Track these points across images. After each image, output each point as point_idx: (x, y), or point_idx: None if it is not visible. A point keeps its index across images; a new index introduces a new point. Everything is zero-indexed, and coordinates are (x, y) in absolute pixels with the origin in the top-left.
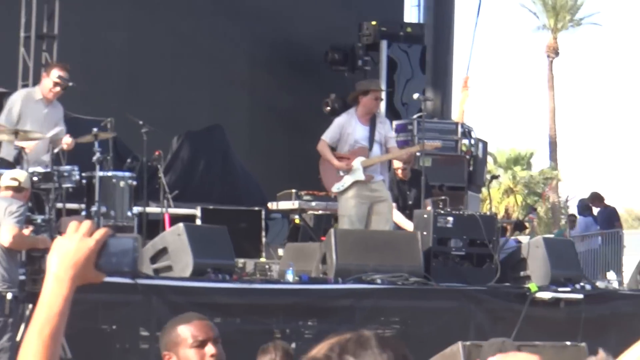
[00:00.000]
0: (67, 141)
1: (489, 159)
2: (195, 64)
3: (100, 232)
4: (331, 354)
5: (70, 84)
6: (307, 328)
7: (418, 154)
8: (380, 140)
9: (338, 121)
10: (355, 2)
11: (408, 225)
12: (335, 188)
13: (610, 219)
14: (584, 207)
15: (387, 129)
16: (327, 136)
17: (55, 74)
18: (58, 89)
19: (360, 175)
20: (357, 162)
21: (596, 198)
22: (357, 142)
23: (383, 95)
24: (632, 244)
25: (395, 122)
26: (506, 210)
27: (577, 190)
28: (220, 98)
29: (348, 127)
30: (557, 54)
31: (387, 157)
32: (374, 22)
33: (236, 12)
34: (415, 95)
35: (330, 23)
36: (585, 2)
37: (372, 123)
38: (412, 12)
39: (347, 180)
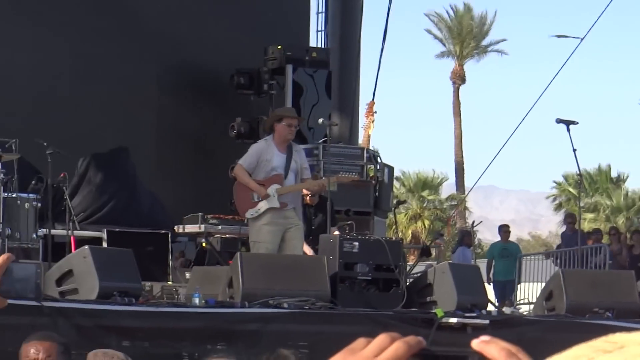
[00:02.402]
0: None
1: (397, 184)
2: (101, 86)
3: (2, 257)
4: None
5: None
6: (215, 352)
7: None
8: (296, 170)
9: (256, 147)
10: (261, 27)
11: (308, 251)
12: (249, 214)
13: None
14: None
15: (302, 159)
16: (245, 162)
17: None
18: None
19: (275, 203)
20: (272, 189)
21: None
22: (274, 170)
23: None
24: (537, 269)
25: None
26: (413, 236)
27: (482, 216)
28: (127, 120)
29: (266, 154)
30: (463, 80)
31: (301, 186)
32: (279, 47)
33: (143, 35)
34: (321, 120)
35: (236, 47)
36: (491, 29)
37: (289, 151)
38: (318, 37)
39: (262, 206)
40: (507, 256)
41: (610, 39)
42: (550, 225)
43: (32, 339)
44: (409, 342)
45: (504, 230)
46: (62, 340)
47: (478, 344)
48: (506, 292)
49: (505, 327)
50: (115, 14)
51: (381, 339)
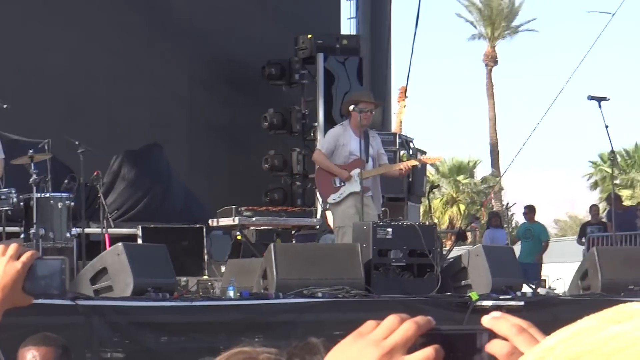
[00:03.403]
0: None
1: (432, 170)
2: (132, 83)
3: (27, 255)
4: (280, 358)
5: (5, 106)
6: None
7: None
8: (374, 155)
9: (333, 132)
10: (290, 16)
11: None
12: (332, 199)
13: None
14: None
15: (379, 145)
16: (323, 146)
17: None
18: None
19: (357, 187)
20: (355, 173)
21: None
22: (352, 154)
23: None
24: (577, 250)
25: None
26: (450, 221)
27: (518, 198)
28: (159, 116)
29: (342, 138)
30: (495, 62)
31: (383, 170)
32: (309, 36)
33: (172, 30)
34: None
35: (266, 38)
36: (521, 9)
37: (365, 136)
38: (349, 24)
39: (345, 190)
40: (529, 237)
41: None
42: (587, 205)
43: (29, 343)
44: (418, 322)
45: (527, 210)
46: (60, 342)
47: (488, 320)
48: (527, 275)
49: (540, 308)
50: (145, 10)
51: (390, 320)
